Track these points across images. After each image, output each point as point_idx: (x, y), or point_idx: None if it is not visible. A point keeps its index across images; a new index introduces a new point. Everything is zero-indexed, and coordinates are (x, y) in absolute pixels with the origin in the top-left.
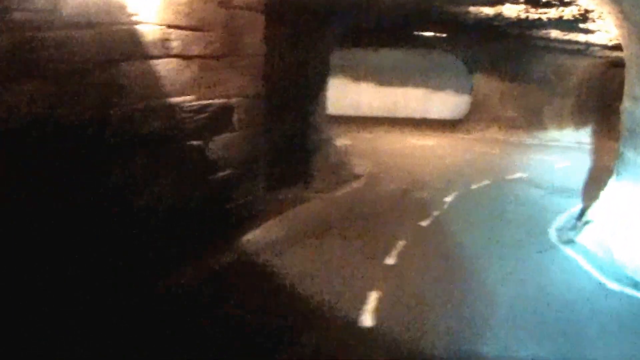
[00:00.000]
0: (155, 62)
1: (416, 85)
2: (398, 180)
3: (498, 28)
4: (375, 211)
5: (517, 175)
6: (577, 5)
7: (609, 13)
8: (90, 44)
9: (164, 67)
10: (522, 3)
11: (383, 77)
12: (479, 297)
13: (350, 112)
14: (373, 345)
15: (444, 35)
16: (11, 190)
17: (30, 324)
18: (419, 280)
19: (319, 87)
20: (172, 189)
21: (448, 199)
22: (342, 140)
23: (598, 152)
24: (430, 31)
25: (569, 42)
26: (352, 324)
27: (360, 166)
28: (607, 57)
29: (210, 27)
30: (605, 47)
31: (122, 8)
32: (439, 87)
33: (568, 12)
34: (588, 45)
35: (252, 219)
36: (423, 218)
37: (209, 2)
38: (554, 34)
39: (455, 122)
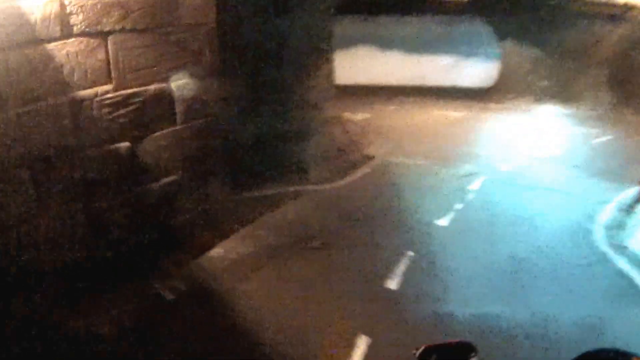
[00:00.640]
0: (50, 46)
1: (445, 53)
2: (415, 162)
3: None
4: (380, 207)
5: (552, 152)
6: None
7: None
8: None
9: (63, 51)
10: None
11: (410, 46)
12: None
13: (376, 81)
14: None
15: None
16: None
17: None
18: (428, 312)
19: (318, 59)
20: (85, 209)
21: (474, 186)
22: (361, 115)
23: None
24: None
25: (606, 4)
26: None
27: (374, 145)
28: None
29: None
30: None
31: None
32: (468, 55)
33: None
34: (627, 8)
35: (206, 235)
36: (441, 214)
37: None
38: None
39: (484, 91)
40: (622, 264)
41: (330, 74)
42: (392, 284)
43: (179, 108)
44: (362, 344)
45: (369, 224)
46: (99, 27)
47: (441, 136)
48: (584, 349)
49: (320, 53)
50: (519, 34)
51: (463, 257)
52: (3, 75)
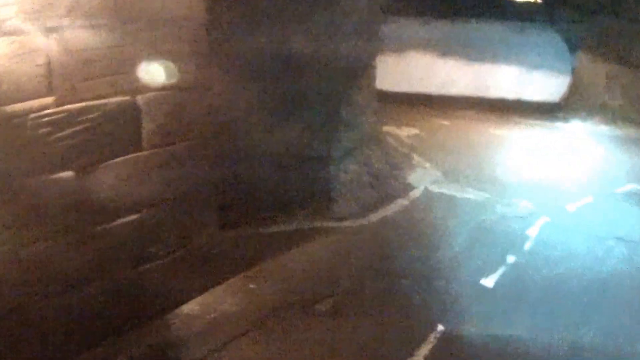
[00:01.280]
0: None
1: (510, 63)
2: (464, 194)
3: None
4: (413, 257)
5: (630, 187)
6: None
7: None
8: None
9: None
10: None
11: (473, 53)
12: None
13: (429, 91)
14: None
15: (539, 1)
16: None
17: None
18: None
19: (357, 65)
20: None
21: (532, 231)
22: (407, 130)
23: None
24: None
25: None
26: None
27: (417, 170)
28: None
29: None
30: None
31: None
32: (536, 67)
33: None
34: None
35: (179, 284)
36: (488, 270)
37: None
38: None
39: (552, 107)
40: None
41: (371, 84)
42: None
43: (147, 128)
44: None
45: (395, 281)
46: (38, 23)
47: (499, 161)
48: None
49: (360, 58)
50: (595, 45)
51: (505, 341)
52: None
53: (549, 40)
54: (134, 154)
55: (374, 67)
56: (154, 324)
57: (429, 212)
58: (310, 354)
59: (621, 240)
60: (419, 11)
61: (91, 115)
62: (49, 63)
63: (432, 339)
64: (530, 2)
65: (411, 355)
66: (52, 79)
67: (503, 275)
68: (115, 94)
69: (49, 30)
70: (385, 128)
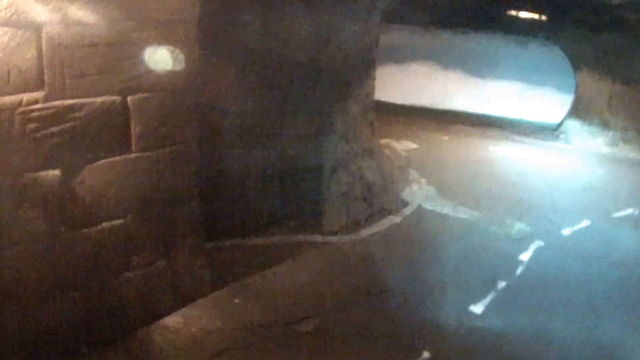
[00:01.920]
0: None
1: (512, 78)
2: (457, 214)
3: (613, 11)
4: (402, 277)
5: (628, 211)
6: None
7: None
8: None
9: None
10: None
11: (474, 67)
12: None
13: (430, 104)
14: None
15: (543, 18)
16: None
17: None
18: None
19: (356, 74)
20: None
21: (525, 255)
22: (405, 143)
23: None
24: (527, 11)
25: None
26: None
27: (412, 186)
28: None
29: None
30: None
31: None
32: (537, 84)
33: None
34: None
35: (162, 297)
36: (478, 296)
37: None
38: None
39: (552, 126)
40: None
41: (369, 95)
42: None
43: (135, 130)
44: None
45: (382, 303)
46: (31, 16)
47: (495, 180)
48: None
49: (357, 68)
50: (598, 64)
51: None
52: None
53: (552, 56)
54: (122, 156)
55: (373, 78)
56: (134, 336)
57: (420, 231)
58: None
59: (617, 267)
60: (419, 20)
61: (80, 114)
62: (40, 57)
63: None
64: (533, 18)
65: None
66: (43, 73)
67: (491, 303)
68: (106, 93)
69: (42, 25)
70: (383, 141)
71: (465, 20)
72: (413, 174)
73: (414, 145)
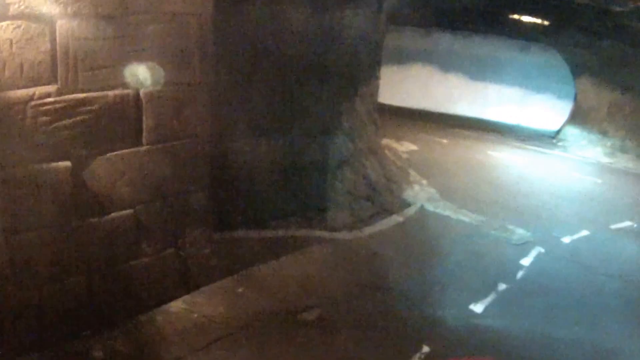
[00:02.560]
0: None
1: (513, 84)
2: (459, 216)
3: (615, 18)
4: (404, 275)
5: (626, 223)
6: None
7: None
8: None
9: None
10: None
11: (475, 70)
12: None
13: (431, 107)
14: None
15: (546, 23)
16: None
17: None
18: None
19: (361, 75)
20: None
21: (526, 260)
22: (406, 145)
23: None
24: (529, 15)
25: None
26: None
27: (414, 187)
28: None
29: None
30: None
31: None
32: (538, 90)
33: None
34: None
35: (168, 282)
36: (479, 296)
37: None
38: None
39: (551, 133)
40: None
41: (374, 95)
42: None
43: (147, 123)
44: None
45: (384, 298)
46: (44, 9)
47: (496, 185)
48: None
49: (364, 68)
50: (599, 71)
51: None
52: None
53: (553, 62)
54: (133, 148)
55: (377, 78)
56: (139, 320)
57: (423, 231)
58: None
59: (614, 277)
60: (421, 23)
61: (92, 107)
62: (53, 50)
63: (416, 359)
64: (536, 22)
65: None
66: (56, 66)
67: (491, 304)
68: (117, 86)
69: (55, 17)
70: (383, 141)
71: (468, 23)
72: (414, 174)
73: (414, 147)
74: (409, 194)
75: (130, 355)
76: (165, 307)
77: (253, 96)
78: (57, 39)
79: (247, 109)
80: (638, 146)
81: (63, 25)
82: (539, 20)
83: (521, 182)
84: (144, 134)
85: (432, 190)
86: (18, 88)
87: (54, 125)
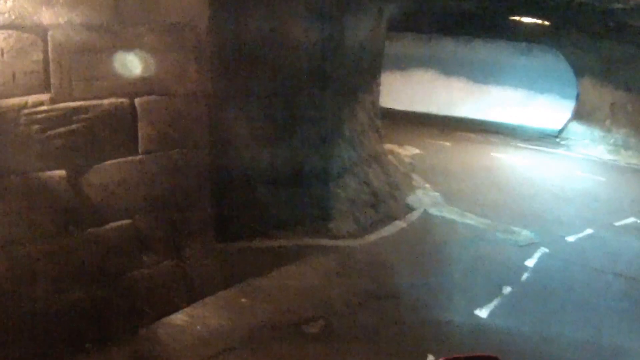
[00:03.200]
0: None
1: (516, 86)
2: (464, 219)
3: (617, 17)
4: (409, 282)
5: (630, 220)
6: None
7: None
8: None
9: None
10: None
11: (477, 73)
12: None
13: (435, 110)
14: None
15: (547, 24)
16: None
17: None
18: None
19: (362, 81)
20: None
21: (530, 261)
22: (410, 149)
23: None
24: (530, 16)
25: None
26: None
27: (417, 192)
28: None
29: None
30: None
31: None
32: (541, 91)
33: None
34: None
35: (169, 294)
36: (484, 300)
37: None
38: None
39: (554, 133)
40: None
41: (375, 102)
42: None
43: (143, 132)
44: None
45: (388, 306)
46: (35, 19)
47: (500, 187)
48: None
49: (364, 75)
50: (601, 71)
51: None
52: None
53: (555, 63)
54: (129, 157)
55: (378, 85)
56: (140, 333)
57: (426, 236)
58: None
59: (620, 276)
60: (422, 29)
61: (87, 115)
62: (46, 60)
63: None
64: (537, 24)
65: None
66: (49, 75)
67: (497, 308)
68: (112, 95)
69: (46, 28)
70: (387, 146)
71: (469, 27)
72: (417, 179)
73: (417, 151)
74: (412, 199)
75: None
76: (167, 319)
77: (253, 105)
78: (50, 49)
79: (248, 118)
80: None
81: (56, 36)
82: (539, 22)
83: (525, 182)
84: (140, 142)
85: (436, 195)
86: (10, 96)
87: (48, 133)
